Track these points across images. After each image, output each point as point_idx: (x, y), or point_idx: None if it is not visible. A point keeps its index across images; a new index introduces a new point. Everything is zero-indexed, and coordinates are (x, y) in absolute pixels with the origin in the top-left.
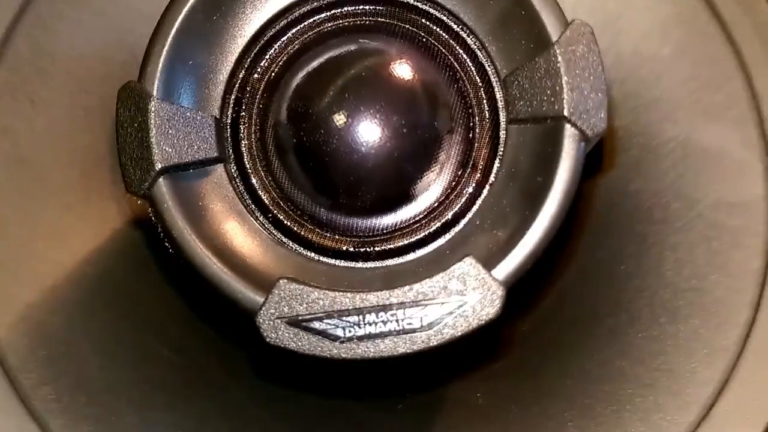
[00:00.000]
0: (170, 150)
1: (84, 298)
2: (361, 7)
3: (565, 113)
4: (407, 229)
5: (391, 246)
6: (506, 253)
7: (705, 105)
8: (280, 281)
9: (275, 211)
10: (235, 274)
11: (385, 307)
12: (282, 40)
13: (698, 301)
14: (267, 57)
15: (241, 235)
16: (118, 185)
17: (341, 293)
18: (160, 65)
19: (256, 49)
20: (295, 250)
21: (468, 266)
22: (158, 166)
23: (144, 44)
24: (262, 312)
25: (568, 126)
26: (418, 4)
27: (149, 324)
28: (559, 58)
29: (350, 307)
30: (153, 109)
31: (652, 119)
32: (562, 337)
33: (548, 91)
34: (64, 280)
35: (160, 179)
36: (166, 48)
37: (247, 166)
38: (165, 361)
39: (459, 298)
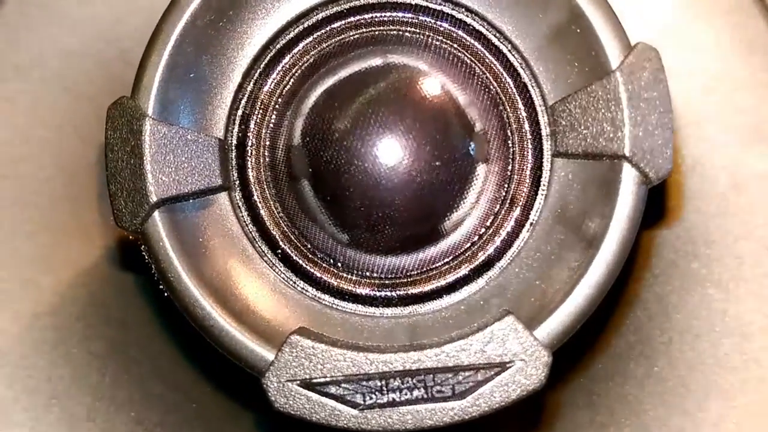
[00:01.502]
0: (167, 179)
1: (67, 328)
2: (387, 14)
3: (626, 152)
4: (435, 272)
5: (417, 291)
6: (552, 311)
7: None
8: (292, 337)
9: (285, 247)
10: (239, 326)
11: (412, 372)
12: (297, 49)
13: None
14: (279, 68)
15: (247, 276)
16: (106, 199)
17: (362, 353)
18: (157, 79)
19: (267, 59)
20: (308, 293)
21: (508, 326)
22: (153, 198)
23: (136, 37)
24: (270, 373)
25: (628, 166)
26: (454, 13)
27: (140, 359)
28: (621, 87)
29: (372, 371)
30: (148, 131)
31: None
32: (605, 403)
33: (606, 125)
34: (45, 306)
35: (155, 212)
36: (164, 59)
37: (255, 194)
38: (158, 401)
39: (497, 364)
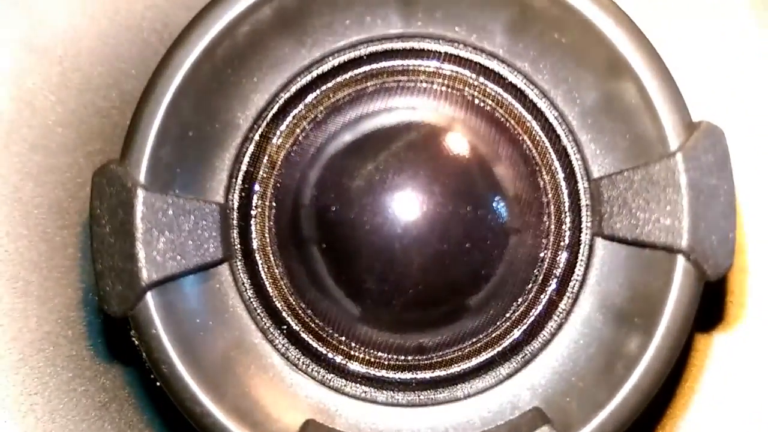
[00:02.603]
0: (161, 258)
1: (45, 381)
2: (413, 62)
3: (683, 246)
4: (457, 353)
5: (437, 374)
6: (590, 418)
7: None
8: None
9: (291, 322)
10: (241, 424)
11: None
12: (309, 99)
13: None
14: (289, 121)
15: (248, 361)
16: (87, 238)
17: None
18: (150, 141)
19: (275, 109)
20: (316, 376)
21: None
22: (145, 281)
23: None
24: None
25: (684, 261)
26: (488, 64)
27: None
28: (682, 172)
29: None
30: (140, 203)
31: None
32: None
33: (662, 212)
34: (16, 363)
35: (147, 295)
36: (159, 117)
37: (259, 264)
38: None
39: None
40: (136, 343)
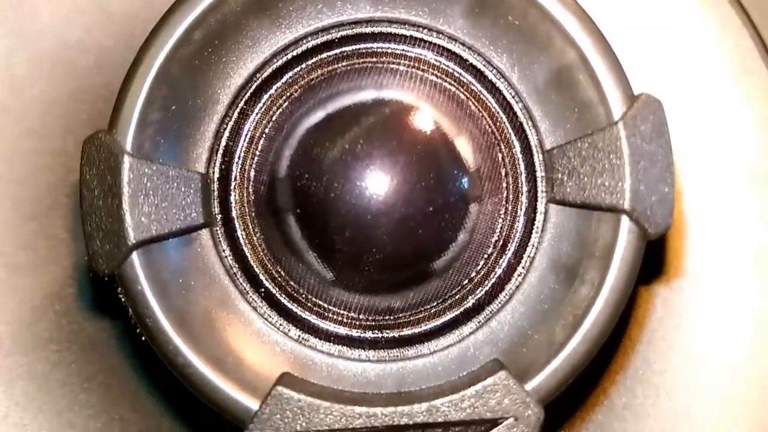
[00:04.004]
0: (146, 220)
1: (34, 351)
2: (380, 45)
3: (626, 206)
4: (423, 314)
5: (405, 333)
6: (544, 365)
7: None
8: (277, 388)
9: (269, 285)
10: (221, 374)
11: (400, 427)
12: (284, 79)
13: None
14: (266, 99)
15: (229, 318)
16: (75, 219)
17: (349, 406)
18: (137, 113)
19: (253, 88)
20: (292, 335)
21: (501, 381)
22: (131, 240)
23: (105, 43)
24: (254, 425)
25: (626, 220)
26: (450, 47)
27: (110, 397)
28: (624, 139)
29: (360, 425)
30: (127, 169)
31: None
32: None
33: (606, 177)
34: (11, 329)
35: (133, 254)
36: (145, 91)
37: (238, 230)
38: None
39: (488, 420)
40: (123, 299)
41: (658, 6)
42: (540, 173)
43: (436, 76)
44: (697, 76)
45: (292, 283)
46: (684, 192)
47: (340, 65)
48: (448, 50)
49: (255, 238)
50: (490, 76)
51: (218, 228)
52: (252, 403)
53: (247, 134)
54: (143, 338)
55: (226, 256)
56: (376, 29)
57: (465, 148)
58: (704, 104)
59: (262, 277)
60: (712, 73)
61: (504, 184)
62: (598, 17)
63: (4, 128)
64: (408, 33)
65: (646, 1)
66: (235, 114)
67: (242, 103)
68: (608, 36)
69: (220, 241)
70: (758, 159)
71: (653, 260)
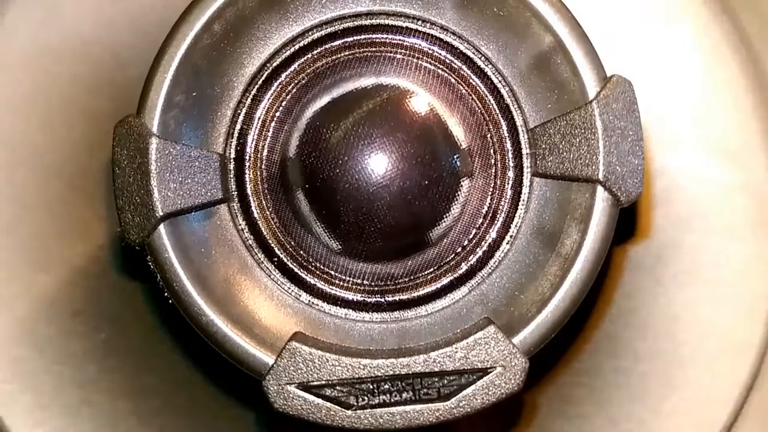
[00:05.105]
0: (172, 195)
1: (65, 324)
2: (379, 36)
3: (600, 177)
4: (421, 279)
5: (404, 297)
6: (530, 321)
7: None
8: (290, 344)
9: (281, 255)
10: (241, 332)
11: (401, 377)
12: (293, 67)
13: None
14: (276, 86)
15: (246, 284)
16: (103, 200)
17: (355, 358)
18: (161, 99)
19: (264, 77)
20: (303, 299)
21: (490, 335)
22: (159, 212)
23: (124, 39)
24: (270, 376)
25: (601, 189)
26: (443, 36)
27: (137, 352)
28: (597, 117)
29: (365, 375)
30: (154, 149)
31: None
32: (582, 403)
33: (582, 151)
34: (43, 304)
35: (161, 226)
36: (168, 80)
37: (252, 205)
38: (153, 392)
39: (479, 369)
40: (151, 266)
41: None
42: (525, 150)
43: (430, 63)
44: (668, 57)
45: (302, 252)
46: (653, 163)
47: (342, 54)
48: (440, 39)
49: (268, 213)
50: (479, 62)
51: (235, 203)
52: (268, 358)
53: (259, 118)
54: (170, 301)
55: (242, 229)
56: (375, 21)
57: (457, 128)
58: (674, 83)
59: (275, 248)
60: (683, 55)
61: (492, 161)
62: (573, 4)
63: (29, 120)
64: (404, 24)
65: None
66: (249, 100)
67: (255, 89)
68: (583, 22)
69: (236, 214)
70: (721, 135)
71: (626, 224)
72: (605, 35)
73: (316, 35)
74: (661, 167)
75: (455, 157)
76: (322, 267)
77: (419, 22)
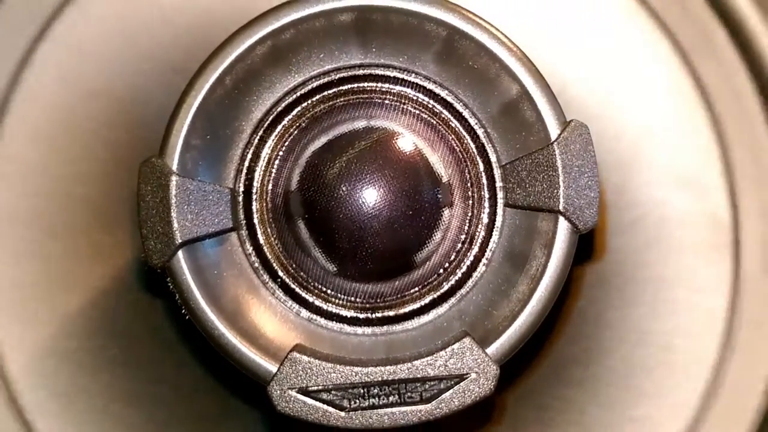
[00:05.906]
0: (189, 225)
1: (88, 343)
2: (370, 84)
3: (560, 208)
4: (407, 298)
5: (392, 313)
6: (501, 333)
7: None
8: (292, 354)
9: (284, 277)
10: (248, 344)
11: (388, 382)
12: (294, 112)
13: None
14: (280, 128)
15: (253, 302)
16: (122, 226)
17: (348, 367)
18: (180, 142)
19: (269, 120)
20: (303, 315)
21: (465, 345)
22: (178, 240)
23: (140, 82)
24: (273, 382)
25: (562, 219)
26: (426, 85)
27: (153, 373)
28: (558, 157)
29: (356, 381)
30: (174, 186)
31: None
32: (548, 403)
33: (546, 185)
34: (67, 323)
35: (179, 252)
36: (186, 125)
37: (258, 233)
38: (166, 400)
39: (456, 376)
40: (171, 287)
41: (592, 36)
42: (498, 183)
43: (415, 108)
44: (626, 94)
45: (302, 274)
46: (609, 195)
47: (338, 101)
48: (424, 87)
49: (272, 239)
50: (457, 107)
51: (243, 231)
52: (272, 366)
53: (265, 156)
54: (187, 317)
55: (249, 253)
56: (366, 71)
57: (438, 164)
58: (632, 118)
59: (278, 270)
60: (641, 91)
61: (470, 193)
62: (535, 55)
63: (57, 152)
64: (392, 74)
65: (581, 38)
66: (256, 141)
67: (261, 132)
68: (544, 71)
69: (245, 241)
70: (682, 163)
71: (584, 248)
72: (570, 73)
73: (315, 84)
74: (623, 191)
75: (437, 190)
76: (320, 287)
77: (405, 73)
